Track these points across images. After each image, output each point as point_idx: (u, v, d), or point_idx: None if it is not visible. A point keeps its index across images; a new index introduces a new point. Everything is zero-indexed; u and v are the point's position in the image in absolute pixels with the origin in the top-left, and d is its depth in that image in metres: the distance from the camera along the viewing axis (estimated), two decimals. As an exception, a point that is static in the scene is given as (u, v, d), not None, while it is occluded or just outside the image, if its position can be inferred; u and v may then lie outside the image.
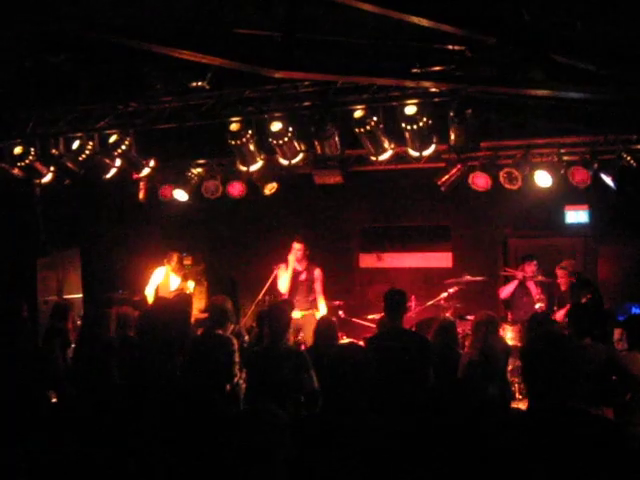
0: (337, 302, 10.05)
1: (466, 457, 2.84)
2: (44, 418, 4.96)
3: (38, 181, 10.34)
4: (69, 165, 9.78)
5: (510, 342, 8.42)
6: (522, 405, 7.66)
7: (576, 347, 3.19)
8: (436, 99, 8.00)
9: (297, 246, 9.67)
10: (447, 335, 6.74)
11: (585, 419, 3.04)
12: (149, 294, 10.36)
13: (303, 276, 9.70)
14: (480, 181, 9.38)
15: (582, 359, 3.17)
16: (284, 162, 9.15)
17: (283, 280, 9.73)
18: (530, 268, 9.76)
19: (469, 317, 8.69)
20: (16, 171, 10.02)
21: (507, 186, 9.19)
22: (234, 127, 8.81)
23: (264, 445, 2.47)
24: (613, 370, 5.70)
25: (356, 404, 3.27)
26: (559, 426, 2.96)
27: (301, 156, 9.10)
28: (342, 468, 3.07)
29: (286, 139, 8.67)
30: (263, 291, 10.27)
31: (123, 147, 9.32)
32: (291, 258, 9.67)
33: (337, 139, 8.63)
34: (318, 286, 9.69)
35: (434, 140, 8.42)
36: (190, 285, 10.77)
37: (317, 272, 9.75)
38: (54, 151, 9.75)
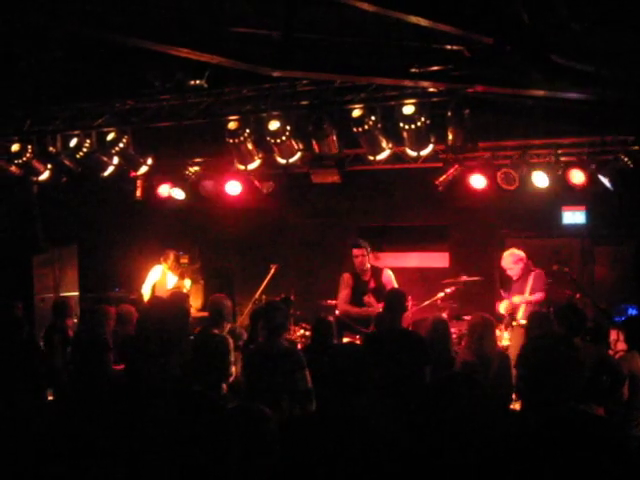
0: (333, 301, 9.99)
1: (463, 456, 2.84)
2: (41, 415, 4.96)
3: (35, 179, 10.34)
4: (66, 163, 9.79)
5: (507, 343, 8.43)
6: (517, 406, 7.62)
7: (572, 348, 3.17)
8: (434, 99, 8.01)
9: (356, 252, 8.86)
10: (440, 333, 6.72)
11: (585, 420, 3.04)
12: (146, 292, 10.36)
13: (371, 284, 8.76)
14: (477, 181, 9.38)
15: (578, 360, 3.16)
16: (282, 161, 9.14)
17: (342, 295, 8.82)
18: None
19: (466, 317, 8.66)
20: (13, 168, 10.03)
21: (504, 187, 9.18)
22: (232, 125, 8.82)
23: (249, 442, 2.47)
24: (605, 371, 5.70)
25: (353, 403, 3.27)
26: (559, 427, 2.96)
27: (299, 155, 9.08)
28: (336, 467, 3.06)
29: (284, 138, 8.66)
30: (260, 289, 10.26)
31: (121, 145, 9.34)
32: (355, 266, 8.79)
33: (335, 138, 8.64)
34: None
35: (432, 140, 8.41)
36: (187, 283, 10.77)
37: (386, 274, 8.82)
38: (51, 149, 9.76)
